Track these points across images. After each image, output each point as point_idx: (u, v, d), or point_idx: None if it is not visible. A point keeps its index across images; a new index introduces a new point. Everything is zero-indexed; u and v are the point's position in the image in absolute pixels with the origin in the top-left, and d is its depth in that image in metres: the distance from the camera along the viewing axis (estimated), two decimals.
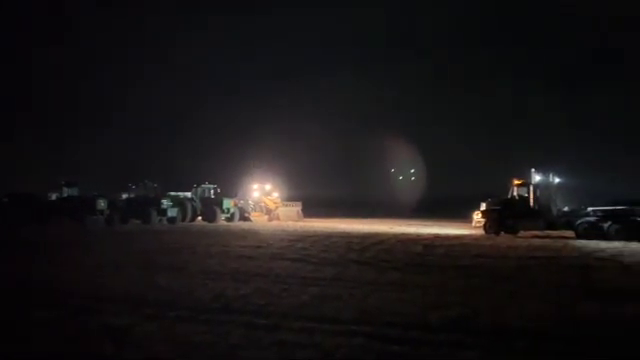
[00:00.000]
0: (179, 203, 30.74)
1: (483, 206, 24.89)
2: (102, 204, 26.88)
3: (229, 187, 37.00)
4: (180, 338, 5.74)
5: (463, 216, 31.93)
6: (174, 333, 5.91)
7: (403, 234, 22.26)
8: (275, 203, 36.68)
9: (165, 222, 28.96)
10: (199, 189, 33.42)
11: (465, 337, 5.73)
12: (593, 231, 20.20)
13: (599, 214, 20.69)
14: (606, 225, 20.08)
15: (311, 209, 39.91)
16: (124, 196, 33.32)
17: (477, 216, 26.88)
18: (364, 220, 37.22)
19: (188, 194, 33.11)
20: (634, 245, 17.51)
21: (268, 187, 37.75)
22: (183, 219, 30.20)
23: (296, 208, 37.25)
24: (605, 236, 19.64)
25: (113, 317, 6.57)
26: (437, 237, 20.47)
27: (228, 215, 32.49)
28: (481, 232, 23.27)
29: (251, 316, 6.70)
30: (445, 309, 7.02)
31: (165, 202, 29.52)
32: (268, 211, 36.32)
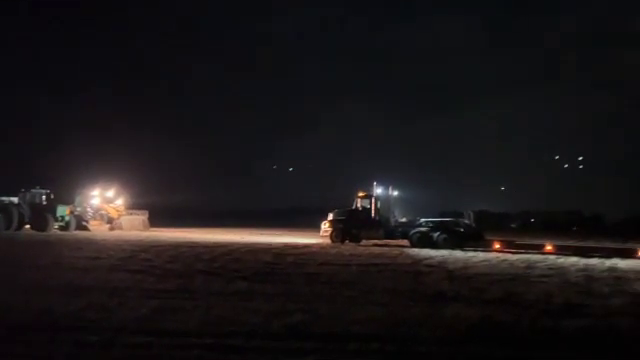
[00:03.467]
0: (3, 209, 27.44)
1: (331, 216, 26.08)
2: None
3: (65, 192, 33.77)
4: None
5: (313, 226, 33.04)
6: None
7: (254, 243, 22.32)
8: (118, 211, 34.36)
9: None
10: (28, 194, 30.01)
11: (304, 343, 5.91)
12: (425, 240, 22.27)
13: (430, 225, 22.92)
14: (435, 235, 22.29)
15: (160, 218, 38.05)
16: None
17: (325, 225, 28.03)
18: (217, 230, 36.63)
19: (15, 199, 29.53)
20: (458, 253, 19.67)
21: (110, 194, 35.23)
22: (7, 227, 26.97)
23: (142, 217, 35.20)
24: (435, 245, 21.78)
25: None
26: (287, 246, 20.89)
27: (62, 223, 29.72)
28: (328, 241, 24.29)
29: (81, 333, 6.14)
30: (288, 316, 7.16)
31: None
32: (110, 220, 33.88)
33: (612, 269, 14.83)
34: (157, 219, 36.86)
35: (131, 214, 34.89)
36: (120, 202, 35.38)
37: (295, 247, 20.54)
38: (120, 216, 34.12)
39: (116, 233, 30.13)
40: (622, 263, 16.69)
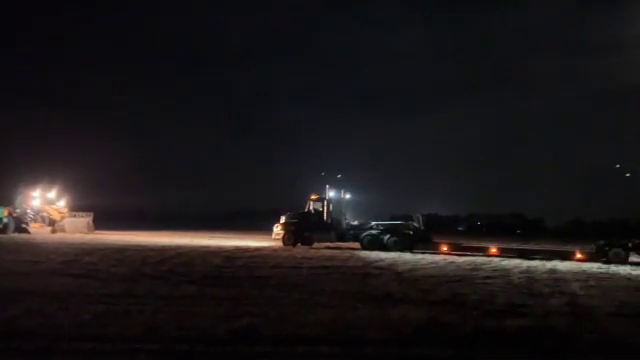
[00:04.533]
0: None
1: (283, 219, 26.00)
2: None
3: (4, 193, 32.21)
4: None
5: (265, 229, 32.86)
6: None
7: (204, 247, 21.95)
8: (60, 213, 33.03)
9: None
10: None
11: (251, 347, 5.86)
12: (375, 243, 22.57)
13: (380, 228, 23.24)
14: (385, 237, 22.62)
15: (106, 221, 36.79)
16: None
17: (277, 228, 27.92)
18: (167, 233, 35.80)
19: None
20: (407, 255, 20.04)
21: (52, 194, 33.80)
22: None
23: (86, 219, 33.93)
24: (385, 247, 22.10)
25: None
26: (238, 249, 20.67)
27: (0, 226, 28.23)
28: (280, 244, 24.20)
29: (17, 340, 5.86)
30: (237, 320, 7.07)
31: None
32: (52, 222, 32.52)
33: (552, 271, 15.51)
34: (103, 221, 35.62)
35: (75, 216, 33.61)
36: (63, 203, 34.02)
37: (246, 250, 20.35)
38: (63, 218, 32.82)
39: (58, 236, 28.91)
40: (561, 265, 17.51)
